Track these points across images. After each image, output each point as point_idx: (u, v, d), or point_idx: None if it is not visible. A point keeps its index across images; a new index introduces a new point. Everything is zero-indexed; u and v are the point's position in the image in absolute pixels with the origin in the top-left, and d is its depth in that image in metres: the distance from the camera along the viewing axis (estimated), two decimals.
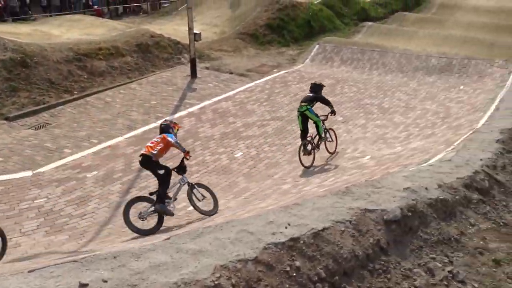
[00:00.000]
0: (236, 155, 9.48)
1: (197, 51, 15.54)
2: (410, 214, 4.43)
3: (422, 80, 14.12)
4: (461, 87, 13.17)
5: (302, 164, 8.49)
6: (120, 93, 12.61)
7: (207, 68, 15.33)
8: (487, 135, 7.67)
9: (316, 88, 9.04)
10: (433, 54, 15.18)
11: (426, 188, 5.00)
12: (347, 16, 23.02)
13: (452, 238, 4.57)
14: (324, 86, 9.40)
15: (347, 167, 8.38)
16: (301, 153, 8.54)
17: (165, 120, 7.24)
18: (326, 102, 8.94)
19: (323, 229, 3.82)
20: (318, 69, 15.54)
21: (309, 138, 8.74)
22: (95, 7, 22.92)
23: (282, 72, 15.06)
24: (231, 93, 12.83)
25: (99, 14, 22.24)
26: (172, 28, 19.86)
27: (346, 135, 10.49)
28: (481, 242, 4.67)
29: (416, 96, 12.83)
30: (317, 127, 8.82)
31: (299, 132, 8.83)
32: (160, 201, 6.47)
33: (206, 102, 12.06)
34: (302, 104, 8.71)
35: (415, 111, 11.69)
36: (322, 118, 8.89)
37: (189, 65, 14.31)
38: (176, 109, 11.63)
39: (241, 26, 20.10)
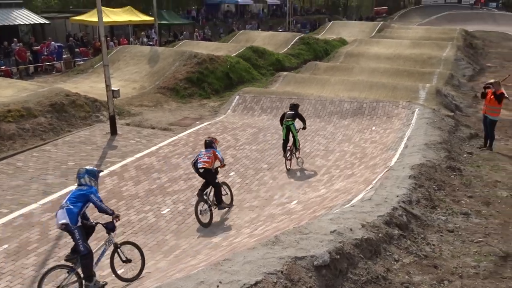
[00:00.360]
0: (163, 212, 9.18)
1: (117, 108, 15.21)
2: (338, 257, 4.52)
3: (338, 123, 14.96)
4: (373, 128, 14.12)
5: (286, 168, 11.08)
6: (33, 156, 11.82)
7: (127, 124, 15.00)
8: (400, 172, 8.22)
9: (294, 107, 11.45)
10: (345, 99, 16.23)
11: (351, 229, 5.17)
12: (264, 67, 24.09)
13: (380, 276, 4.72)
14: (299, 105, 12.01)
15: (276, 214, 8.46)
16: (286, 159, 11.07)
17: (208, 137, 9.42)
18: (302, 119, 11.44)
19: (256, 283, 3.76)
20: (240, 119, 15.87)
21: (288, 147, 11.21)
22: (3, 67, 21.78)
23: (205, 124, 15.15)
24: (154, 148, 12.59)
25: (8, 74, 21.12)
26: (89, 85, 19.36)
27: (272, 182, 10.66)
28: (406, 277, 4.87)
29: (334, 139, 13.52)
30: (294, 140, 11.31)
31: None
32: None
33: (129, 159, 11.69)
34: (287, 119, 11.17)
35: (335, 154, 12.26)
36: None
37: (108, 122, 13.91)
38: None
39: (160, 80, 20.14)
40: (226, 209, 9.13)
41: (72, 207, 5.94)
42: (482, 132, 12.14)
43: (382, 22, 44.65)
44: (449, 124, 13.16)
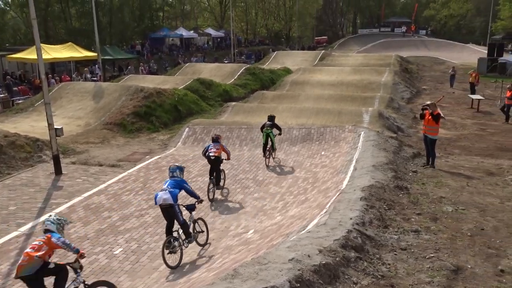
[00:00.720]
0: (115, 252, 8.75)
1: (60, 147, 14.59)
2: (298, 285, 4.49)
3: (288, 150, 15.18)
4: (323, 153, 14.45)
5: (266, 164, 13.42)
6: None
7: (73, 163, 14.39)
8: (352, 194, 8.41)
9: (272, 118, 14.01)
10: (294, 126, 16.57)
11: (309, 256, 5.17)
12: (212, 98, 24.19)
13: None
14: (275, 117, 14.29)
15: (233, 245, 8.32)
16: (266, 158, 13.46)
17: (215, 134, 12.00)
18: (278, 128, 13.89)
19: None
20: (191, 150, 15.72)
21: (268, 149, 13.56)
22: None
23: (155, 157, 14.85)
24: (102, 186, 12.11)
25: None
26: (29, 125, 18.50)
27: (227, 212, 10.54)
28: None
29: (285, 165, 13.67)
30: (272, 143, 13.72)
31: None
32: None
33: (76, 199, 11.14)
34: (267, 127, 13.62)
35: (287, 180, 12.37)
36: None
37: (52, 162, 13.27)
38: (41, 211, 10.49)
39: (106, 116, 19.64)
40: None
41: (172, 190, 7.93)
42: (424, 151, 12.76)
43: (323, 51, 46.62)
44: (393, 145, 13.73)
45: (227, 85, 26.78)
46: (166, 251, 7.78)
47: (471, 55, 45.81)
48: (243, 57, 48.30)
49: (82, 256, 6.17)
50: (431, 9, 76.42)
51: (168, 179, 8.32)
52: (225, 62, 41.51)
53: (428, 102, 12.66)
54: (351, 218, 6.80)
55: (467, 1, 70.76)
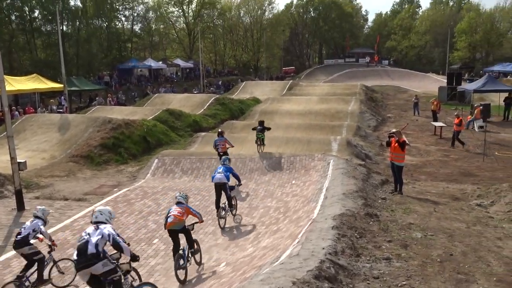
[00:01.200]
0: None
1: (23, 181, 14.07)
2: None
3: (259, 179, 15.17)
4: (293, 182, 14.51)
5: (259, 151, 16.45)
6: None
7: (37, 197, 13.84)
8: (323, 223, 8.43)
9: (262, 123, 17.18)
10: (265, 155, 16.62)
11: None
12: (181, 129, 24.06)
13: None
14: (264, 121, 17.75)
15: (205, 278, 8.13)
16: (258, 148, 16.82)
17: (220, 129, 16.20)
18: (268, 128, 17.21)
19: None
20: (161, 182, 15.46)
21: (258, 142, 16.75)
22: None
23: (123, 190, 14.51)
24: (68, 221, 11.67)
25: None
26: None
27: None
28: None
29: (256, 195, 13.62)
30: (262, 140, 16.84)
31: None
32: None
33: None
34: (259, 132, 16.84)
35: (259, 210, 12.30)
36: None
37: (14, 197, 12.73)
38: (1, 251, 9.96)
39: (73, 148, 19.16)
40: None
41: (226, 173, 11.36)
42: (392, 177, 13.03)
43: (291, 81, 47.58)
44: (362, 172, 13.96)
45: (197, 116, 26.76)
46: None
47: (431, 83, 47.85)
48: (212, 88, 48.63)
49: (241, 184, 12.11)
50: (392, 40, 79.92)
51: (221, 165, 11.91)
52: (194, 93, 41.62)
53: (394, 130, 13.02)
54: (323, 248, 6.79)
55: (425, 33, 74.45)
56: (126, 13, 55.45)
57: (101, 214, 6.51)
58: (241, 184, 12.16)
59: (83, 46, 44.20)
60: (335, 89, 38.94)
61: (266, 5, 70.75)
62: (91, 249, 5.93)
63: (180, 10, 63.40)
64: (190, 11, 63.80)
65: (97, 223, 6.39)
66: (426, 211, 10.45)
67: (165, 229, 8.70)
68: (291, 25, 79.86)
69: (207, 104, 29.95)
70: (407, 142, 12.75)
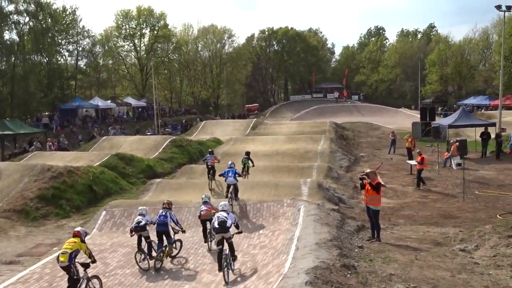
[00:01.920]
0: None
1: None
2: None
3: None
4: (261, 232, 14.35)
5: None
6: None
7: None
8: (295, 279, 8.30)
9: (248, 154, 21.22)
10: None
11: None
12: (133, 176, 23.62)
13: None
14: (250, 152, 21.72)
15: None
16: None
17: (211, 150, 21.99)
18: (252, 161, 20.70)
19: None
20: (109, 238, 14.91)
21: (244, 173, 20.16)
22: None
23: None
24: None
25: None
26: None
27: None
28: None
29: None
30: (248, 168, 20.54)
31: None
32: None
33: None
34: (245, 159, 20.67)
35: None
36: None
37: None
38: None
39: (4, 202, 18.30)
40: None
41: (234, 175, 16.41)
42: (368, 222, 13.14)
43: (255, 119, 48.19)
44: (335, 218, 14.02)
45: (151, 160, 26.43)
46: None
47: (404, 119, 49.65)
48: (168, 128, 48.47)
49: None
50: (361, 74, 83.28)
51: (229, 169, 16.85)
52: (147, 134, 41.30)
53: (368, 170, 13.25)
54: None
55: (395, 66, 78.13)
56: (70, 47, 55.29)
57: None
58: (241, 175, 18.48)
59: (19, 84, 43.22)
60: (303, 127, 39.64)
61: (225, 38, 72.65)
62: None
63: (131, 44, 64.04)
64: (142, 45, 64.57)
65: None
66: (407, 259, 10.52)
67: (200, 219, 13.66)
68: (253, 59, 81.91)
69: (162, 147, 29.67)
70: (382, 183, 12.98)
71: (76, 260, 9.82)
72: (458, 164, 24.03)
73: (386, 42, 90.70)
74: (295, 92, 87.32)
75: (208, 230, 13.20)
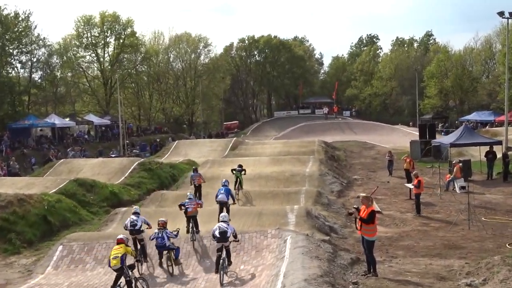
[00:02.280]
0: None
1: None
2: None
3: (198, 266, 14.76)
4: (242, 267, 14.22)
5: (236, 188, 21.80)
6: None
7: None
8: None
9: (241, 166, 23.08)
10: (204, 234, 16.22)
11: None
12: (95, 204, 23.35)
13: None
14: (242, 165, 23.71)
15: None
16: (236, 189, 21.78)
17: (195, 168, 24.77)
18: (244, 170, 23.00)
19: None
20: (66, 277, 14.62)
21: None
22: None
23: None
24: None
25: None
26: None
27: None
28: None
29: (194, 287, 13.13)
30: (240, 182, 22.35)
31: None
32: None
33: None
34: (237, 171, 22.54)
35: None
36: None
37: None
38: None
39: None
40: None
41: (226, 193, 17.96)
42: (364, 255, 13.11)
43: (234, 139, 48.24)
44: (326, 250, 13.98)
45: (115, 186, 26.17)
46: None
47: (401, 137, 50.28)
48: (135, 150, 48.15)
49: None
50: (353, 88, 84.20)
51: (222, 187, 18.43)
52: (112, 156, 40.93)
53: (362, 195, 13.27)
54: None
55: (390, 79, 79.15)
56: (23, 58, 54.78)
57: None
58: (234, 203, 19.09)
59: None
60: (289, 147, 39.77)
61: (201, 47, 73.06)
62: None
63: (94, 55, 63.87)
64: (106, 55, 64.50)
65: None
66: None
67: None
68: (232, 71, 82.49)
69: (129, 171, 29.42)
70: (378, 209, 13.04)
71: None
72: (462, 187, 24.31)
73: (380, 51, 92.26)
74: (279, 107, 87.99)
75: (191, 228, 15.92)
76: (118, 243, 12.42)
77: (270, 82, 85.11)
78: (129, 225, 14.85)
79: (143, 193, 26.48)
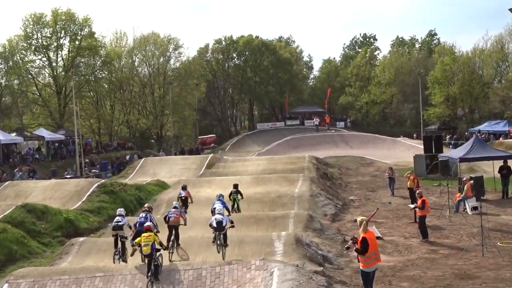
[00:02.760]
0: None
1: None
2: None
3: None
4: None
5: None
6: None
7: None
8: None
9: (236, 186, 24.50)
10: (176, 267, 16.15)
11: None
12: (47, 234, 23.02)
13: None
14: (238, 185, 25.08)
15: None
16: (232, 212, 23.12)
17: (184, 185, 26.20)
18: (241, 194, 24.31)
19: None
20: None
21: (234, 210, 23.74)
22: None
23: None
24: None
25: None
26: None
27: None
28: None
29: None
30: (237, 206, 24.04)
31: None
32: None
33: None
34: (234, 194, 24.10)
35: None
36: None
37: None
38: None
39: None
40: None
41: (223, 207, 19.39)
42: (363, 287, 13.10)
43: (211, 155, 48.14)
44: (320, 284, 13.96)
45: (71, 212, 25.87)
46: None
47: (404, 151, 50.66)
48: (95, 169, 47.76)
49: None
50: (347, 95, 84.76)
51: (218, 200, 20.27)
52: (67, 177, 40.55)
53: (359, 218, 13.23)
54: None
55: (390, 84, 79.77)
56: None
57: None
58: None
59: None
60: (275, 164, 39.82)
61: (170, 50, 73.34)
62: None
63: (45, 59, 63.60)
64: (59, 59, 64.19)
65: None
66: None
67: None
68: (207, 76, 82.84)
69: (87, 194, 29.11)
70: (378, 235, 13.05)
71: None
72: (474, 208, 24.50)
73: (378, 53, 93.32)
74: (263, 118, 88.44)
75: (172, 238, 18.29)
76: (146, 231, 15.57)
77: (252, 89, 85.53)
78: (113, 223, 18.03)
79: (104, 220, 26.21)
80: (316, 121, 73.50)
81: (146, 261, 15.31)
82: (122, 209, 18.76)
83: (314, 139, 64.06)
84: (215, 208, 19.40)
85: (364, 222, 12.72)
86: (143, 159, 46.84)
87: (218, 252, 17.41)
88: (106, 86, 68.70)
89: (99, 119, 68.05)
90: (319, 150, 53.43)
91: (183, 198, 24.18)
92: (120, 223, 17.58)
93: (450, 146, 51.61)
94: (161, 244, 15.73)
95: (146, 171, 41.64)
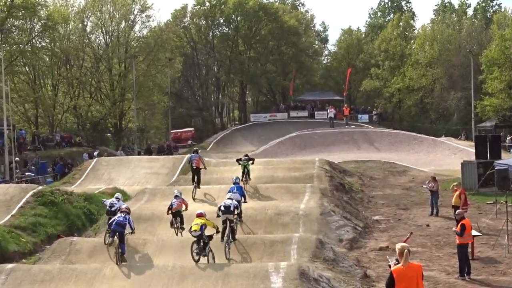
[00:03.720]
0: None
1: None
2: None
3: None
4: None
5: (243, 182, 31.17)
6: None
7: None
8: None
9: (247, 156, 34.55)
10: None
11: None
12: None
13: None
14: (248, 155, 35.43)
15: None
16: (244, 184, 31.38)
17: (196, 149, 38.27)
18: (252, 159, 34.26)
19: None
20: None
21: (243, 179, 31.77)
22: None
23: None
24: None
25: None
26: None
27: None
28: None
29: None
30: (248, 172, 32.43)
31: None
32: None
33: None
34: (244, 161, 32.79)
35: None
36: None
37: None
38: None
39: None
40: None
41: (237, 193, 26.80)
42: None
43: (188, 155, 47.89)
44: None
45: None
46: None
47: (448, 156, 50.68)
48: (29, 172, 47.68)
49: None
50: (374, 79, 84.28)
51: (234, 184, 28.21)
52: None
53: (401, 246, 13.15)
54: None
55: (432, 65, 79.01)
56: None
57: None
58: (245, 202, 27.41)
59: None
60: (274, 170, 39.62)
61: (135, 12, 72.99)
62: None
63: None
64: None
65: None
66: None
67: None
68: (185, 49, 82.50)
69: (19, 205, 29.07)
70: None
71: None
72: None
73: (415, 22, 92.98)
74: (259, 108, 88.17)
75: (176, 225, 24.30)
76: (198, 217, 20.60)
77: (245, 68, 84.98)
78: (108, 204, 23.90)
79: (40, 240, 26.19)
80: (330, 113, 72.67)
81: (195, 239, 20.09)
82: (120, 194, 24.86)
83: (328, 137, 63.57)
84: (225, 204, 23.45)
85: (406, 251, 12.74)
86: (95, 160, 46.70)
87: (226, 258, 20.89)
88: (47, 59, 68.39)
89: (37, 103, 67.43)
90: (334, 152, 53.38)
91: (194, 167, 31.13)
92: (113, 208, 23.06)
93: (510, 150, 51.58)
94: (217, 228, 21.10)
95: (99, 175, 41.57)
